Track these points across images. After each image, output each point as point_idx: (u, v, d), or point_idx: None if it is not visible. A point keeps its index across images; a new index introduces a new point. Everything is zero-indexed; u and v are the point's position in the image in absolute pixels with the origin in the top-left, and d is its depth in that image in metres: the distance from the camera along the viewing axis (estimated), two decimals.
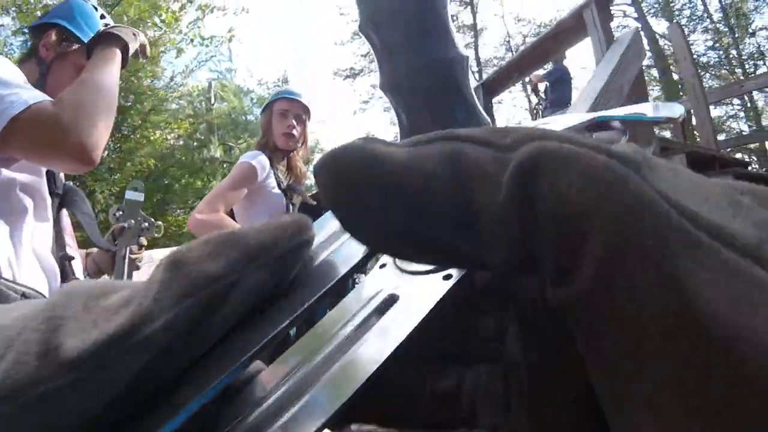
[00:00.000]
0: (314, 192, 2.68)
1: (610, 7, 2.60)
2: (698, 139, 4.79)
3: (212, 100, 14.96)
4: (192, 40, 11.47)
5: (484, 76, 20.25)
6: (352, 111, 24.72)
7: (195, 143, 13.84)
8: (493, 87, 4.15)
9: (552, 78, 6.43)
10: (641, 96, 2.55)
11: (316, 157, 0.22)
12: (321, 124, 25.05)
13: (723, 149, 5.42)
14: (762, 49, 15.92)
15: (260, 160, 2.07)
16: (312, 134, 2.44)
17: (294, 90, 2.26)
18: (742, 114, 16.17)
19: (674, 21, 14.26)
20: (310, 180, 2.90)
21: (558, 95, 6.46)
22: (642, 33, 2.60)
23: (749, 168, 5.68)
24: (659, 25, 16.58)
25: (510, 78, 4.03)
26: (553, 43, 3.10)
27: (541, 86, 7.16)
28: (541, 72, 6.45)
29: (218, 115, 14.71)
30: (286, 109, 2.15)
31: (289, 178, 2.24)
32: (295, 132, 2.14)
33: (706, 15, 16.78)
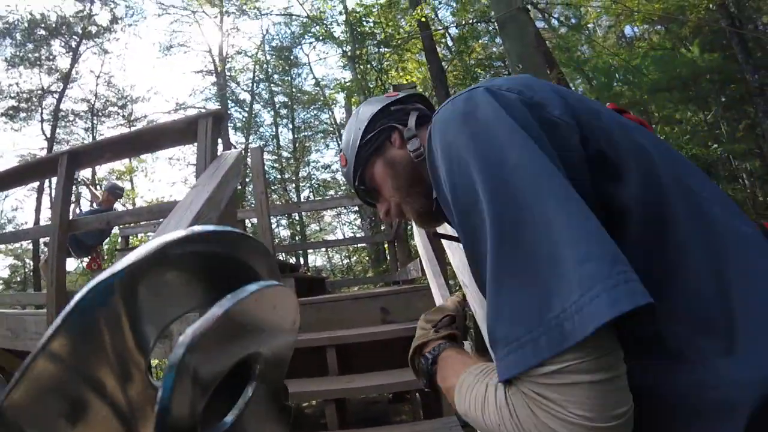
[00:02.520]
0: None
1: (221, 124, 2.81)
2: None
3: None
4: None
5: (59, 130, 18.07)
6: None
7: None
8: (79, 158, 3.80)
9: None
10: (232, 210, 2.77)
11: None
12: None
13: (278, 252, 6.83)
14: (312, 175, 20.04)
15: None
16: None
17: None
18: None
19: (257, 144, 16.77)
20: None
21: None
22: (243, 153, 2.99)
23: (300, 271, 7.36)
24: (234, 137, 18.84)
25: (101, 156, 3.78)
26: (157, 137, 3.11)
27: None
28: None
29: None
30: None
31: None
32: None
33: (274, 141, 20.03)
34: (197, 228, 0.32)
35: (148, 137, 3.19)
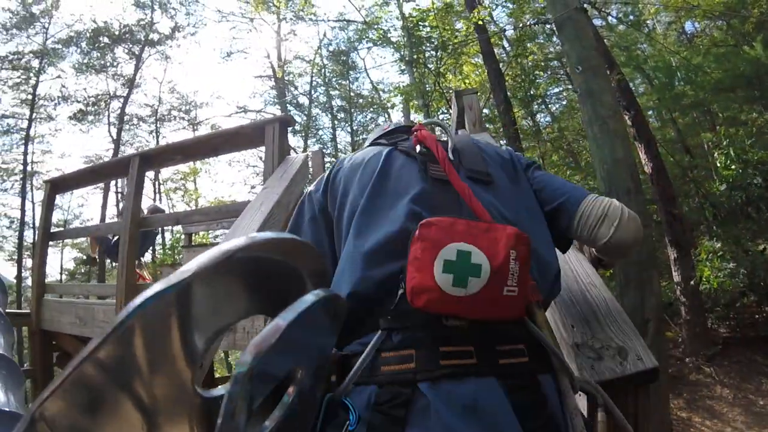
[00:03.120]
0: None
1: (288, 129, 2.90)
2: None
3: None
4: None
5: (123, 134, 18.87)
6: None
7: None
8: (150, 160, 4.00)
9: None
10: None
11: None
12: None
13: None
14: None
15: None
16: None
17: None
18: None
19: (316, 147, 17.16)
20: None
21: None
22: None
23: None
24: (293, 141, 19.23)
25: (172, 158, 3.96)
26: (226, 141, 3.24)
27: None
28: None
29: None
30: None
31: None
32: None
33: (332, 144, 20.36)
34: (258, 235, 0.32)
35: (217, 141, 3.32)
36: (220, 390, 0.31)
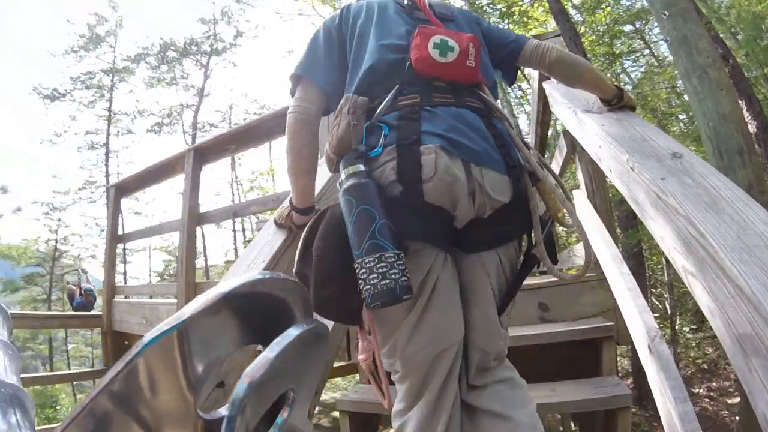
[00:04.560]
0: None
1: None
2: None
3: None
4: None
5: (197, 140, 19.65)
6: None
7: None
8: (204, 153, 3.83)
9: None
10: None
11: None
12: None
13: None
14: None
15: None
16: None
17: None
18: None
19: None
20: None
21: None
22: None
23: None
24: None
25: (226, 149, 3.78)
26: (280, 123, 2.98)
27: None
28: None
29: None
30: None
31: None
32: None
33: None
34: (250, 277, 0.36)
35: (270, 124, 3.15)
36: (220, 412, 0.35)
